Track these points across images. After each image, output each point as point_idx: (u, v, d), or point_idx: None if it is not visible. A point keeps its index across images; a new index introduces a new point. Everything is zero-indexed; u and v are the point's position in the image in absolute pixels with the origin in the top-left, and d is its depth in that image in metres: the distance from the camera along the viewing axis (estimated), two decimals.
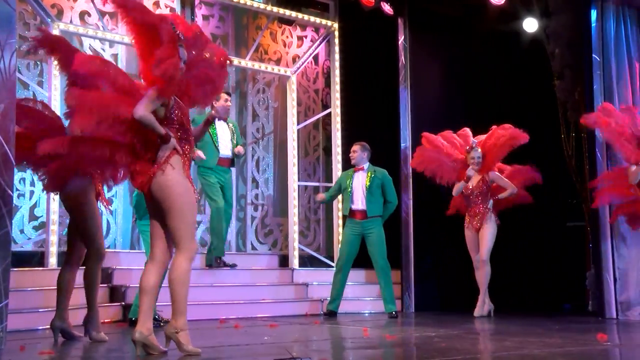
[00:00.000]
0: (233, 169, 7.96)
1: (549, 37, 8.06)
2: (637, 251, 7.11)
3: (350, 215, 7.60)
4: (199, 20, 8.68)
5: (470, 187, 7.61)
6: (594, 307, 7.43)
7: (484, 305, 7.37)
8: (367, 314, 7.86)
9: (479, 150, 7.61)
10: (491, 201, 7.61)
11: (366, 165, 7.59)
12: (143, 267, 4.37)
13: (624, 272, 7.02)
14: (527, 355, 4.16)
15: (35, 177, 7.34)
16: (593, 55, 7.28)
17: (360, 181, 7.54)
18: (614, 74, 7.31)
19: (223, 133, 7.51)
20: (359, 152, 7.58)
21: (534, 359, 4.01)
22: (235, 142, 7.56)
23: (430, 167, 7.80)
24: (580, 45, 7.51)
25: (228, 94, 7.51)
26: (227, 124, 7.59)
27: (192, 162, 7.11)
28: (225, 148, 7.49)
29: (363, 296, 8.17)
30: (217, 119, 7.07)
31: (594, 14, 7.34)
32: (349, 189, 7.54)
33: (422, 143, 7.85)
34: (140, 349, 4.08)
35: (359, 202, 7.49)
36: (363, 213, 7.48)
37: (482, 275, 7.43)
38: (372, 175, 7.50)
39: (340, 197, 8.19)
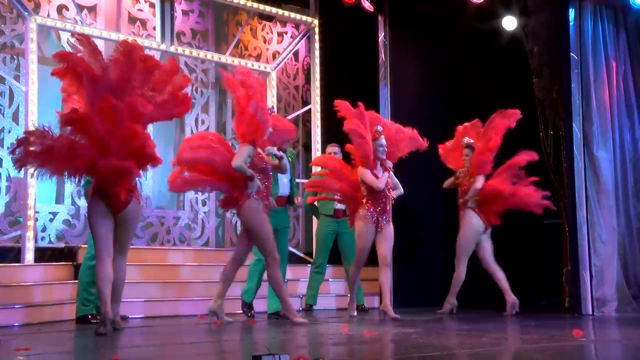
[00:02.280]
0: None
1: (527, 36, 8.10)
2: (613, 248, 7.19)
3: (329, 213, 7.64)
4: (178, 15, 8.63)
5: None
6: (570, 303, 7.49)
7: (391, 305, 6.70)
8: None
9: (383, 139, 6.66)
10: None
11: None
12: None
13: (600, 269, 7.08)
14: (504, 351, 4.19)
15: (12, 173, 7.31)
16: (571, 53, 7.33)
17: None
18: (591, 73, 7.36)
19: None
20: (339, 153, 7.58)
21: (510, 354, 4.04)
22: (291, 176, 6.79)
23: None
24: (558, 44, 7.55)
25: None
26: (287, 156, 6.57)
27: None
28: (284, 185, 6.72)
29: (343, 293, 8.15)
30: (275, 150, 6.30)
31: (571, 13, 7.39)
32: None
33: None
34: (109, 324, 4.99)
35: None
36: (342, 212, 7.59)
37: (386, 276, 6.72)
38: None
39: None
